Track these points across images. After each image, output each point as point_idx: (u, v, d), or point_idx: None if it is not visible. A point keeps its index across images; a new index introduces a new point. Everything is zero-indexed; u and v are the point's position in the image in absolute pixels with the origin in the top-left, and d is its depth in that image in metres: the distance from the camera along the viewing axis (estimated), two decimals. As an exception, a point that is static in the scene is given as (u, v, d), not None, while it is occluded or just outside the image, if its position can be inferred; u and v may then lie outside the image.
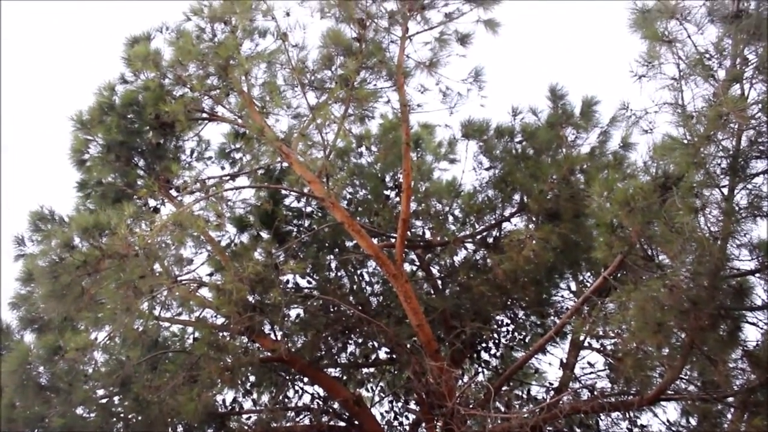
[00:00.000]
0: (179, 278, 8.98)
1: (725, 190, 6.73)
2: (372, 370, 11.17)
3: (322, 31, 9.20)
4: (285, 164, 9.87)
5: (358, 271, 10.95)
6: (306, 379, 10.31)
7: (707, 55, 6.73)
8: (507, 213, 10.41)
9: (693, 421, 8.85)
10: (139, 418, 8.39)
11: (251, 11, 9.21)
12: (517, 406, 9.51)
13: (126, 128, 9.42)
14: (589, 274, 10.26)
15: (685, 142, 6.58)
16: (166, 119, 9.24)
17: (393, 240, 9.39)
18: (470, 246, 10.64)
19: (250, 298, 8.89)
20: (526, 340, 10.64)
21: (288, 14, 9.31)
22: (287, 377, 10.36)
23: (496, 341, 10.57)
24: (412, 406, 10.43)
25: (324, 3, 9.35)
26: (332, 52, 9.14)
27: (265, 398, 10.47)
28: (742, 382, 7.53)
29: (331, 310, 10.14)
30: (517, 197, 10.33)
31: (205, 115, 9.74)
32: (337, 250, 10.76)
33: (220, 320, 9.34)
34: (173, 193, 9.34)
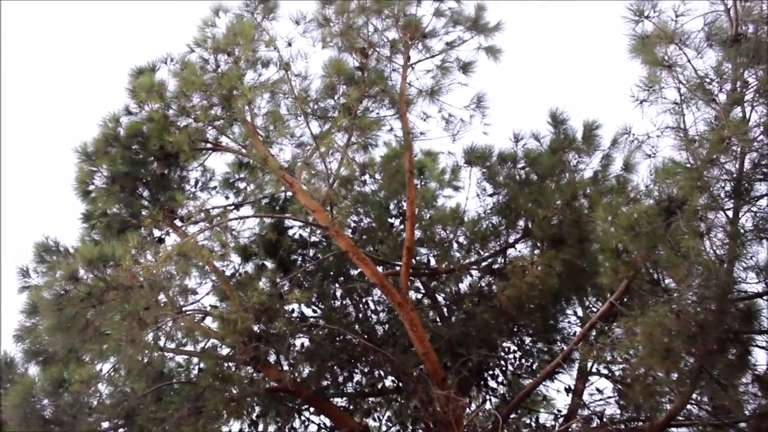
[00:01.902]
0: (184, 309, 8.96)
1: (730, 213, 6.72)
2: (378, 399, 11.08)
3: (324, 61, 9.30)
4: (289, 193, 9.90)
5: (364, 300, 10.91)
6: (312, 409, 10.22)
7: (707, 79, 6.77)
8: (511, 239, 10.39)
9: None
10: (144, 450, 8.33)
11: (254, 42, 9.30)
12: (526, 434, 9.42)
13: (131, 159, 9.47)
14: (595, 299, 10.21)
15: (688, 165, 6.59)
16: (170, 150, 9.29)
17: (398, 268, 9.37)
18: (475, 273, 10.61)
19: (255, 328, 8.86)
20: (534, 367, 10.55)
21: (290, 44, 9.42)
22: (293, 407, 10.28)
23: (503, 368, 10.49)
24: (420, 435, 10.34)
25: (326, 32, 9.46)
26: (335, 81, 9.21)
27: (271, 429, 10.37)
28: (754, 406, 7.44)
29: (337, 339, 10.09)
30: (521, 223, 10.32)
31: (209, 145, 9.79)
32: (341, 278, 10.74)
33: (225, 351, 9.30)
34: (178, 223, 9.35)
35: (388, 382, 10.63)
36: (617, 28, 7.43)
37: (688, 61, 6.91)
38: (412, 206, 8.98)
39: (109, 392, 8.52)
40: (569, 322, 10.56)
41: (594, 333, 8.32)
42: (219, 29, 9.63)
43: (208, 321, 9.26)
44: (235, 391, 8.69)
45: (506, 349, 10.59)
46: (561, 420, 9.67)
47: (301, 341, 10.17)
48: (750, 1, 6.96)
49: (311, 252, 10.72)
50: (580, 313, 10.51)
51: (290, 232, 10.64)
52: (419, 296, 11.08)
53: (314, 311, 10.67)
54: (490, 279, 10.41)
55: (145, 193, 9.75)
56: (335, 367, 10.27)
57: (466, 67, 9.79)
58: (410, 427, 10.56)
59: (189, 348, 9.52)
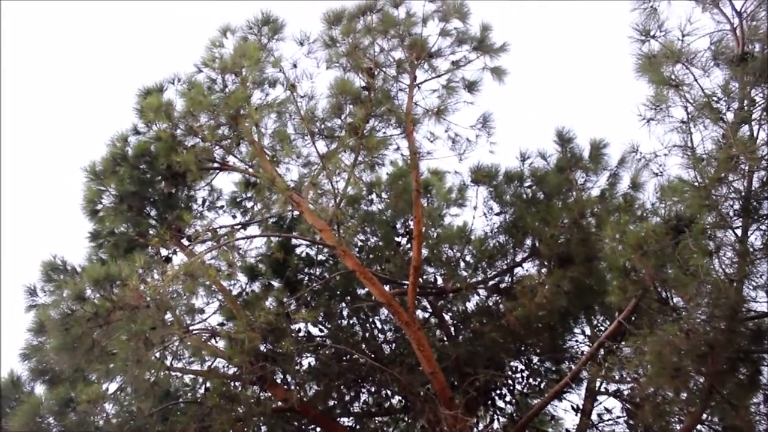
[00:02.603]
0: (191, 328, 8.95)
1: (739, 232, 6.70)
2: (385, 419, 11.01)
3: (330, 81, 9.37)
4: (296, 213, 9.91)
5: (371, 319, 10.88)
6: (319, 429, 10.16)
7: (714, 98, 6.77)
8: (519, 258, 10.37)
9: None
10: (151, 470, 8.28)
11: (260, 63, 9.37)
12: (534, 454, 9.34)
13: (138, 178, 9.51)
14: (603, 318, 10.16)
15: (696, 184, 6.58)
16: (177, 169, 9.32)
17: (405, 287, 9.34)
18: (482, 292, 10.58)
19: (262, 348, 8.83)
20: (542, 387, 10.49)
21: (295, 66, 9.49)
22: (300, 427, 10.22)
23: (511, 388, 10.43)
24: (427, 455, 10.26)
25: (332, 53, 9.52)
26: (341, 101, 9.26)
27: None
28: (765, 427, 7.37)
29: (344, 358, 10.05)
30: (528, 242, 10.30)
31: (216, 165, 9.82)
32: (348, 298, 10.72)
33: (231, 370, 9.27)
34: (185, 242, 9.37)
35: (395, 401, 10.58)
36: (617, 28, 7.47)
37: (695, 80, 6.93)
38: (419, 225, 8.98)
39: (115, 412, 8.48)
40: (577, 341, 10.52)
41: (602, 352, 8.26)
42: (226, 50, 9.73)
43: (215, 340, 9.27)
44: (241, 411, 8.65)
45: (514, 369, 10.53)
46: (570, 440, 9.61)
47: (308, 361, 10.16)
48: (756, 21, 6.98)
49: (318, 271, 10.72)
50: (588, 332, 10.47)
51: (297, 252, 10.65)
52: (426, 315, 11.05)
53: (321, 330, 10.64)
54: (498, 298, 10.38)
55: (153, 213, 9.78)
56: (342, 387, 10.23)
57: (471, 87, 9.83)
58: (417, 448, 10.48)
59: (195, 367, 9.50)
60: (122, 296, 7.55)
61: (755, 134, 6.63)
